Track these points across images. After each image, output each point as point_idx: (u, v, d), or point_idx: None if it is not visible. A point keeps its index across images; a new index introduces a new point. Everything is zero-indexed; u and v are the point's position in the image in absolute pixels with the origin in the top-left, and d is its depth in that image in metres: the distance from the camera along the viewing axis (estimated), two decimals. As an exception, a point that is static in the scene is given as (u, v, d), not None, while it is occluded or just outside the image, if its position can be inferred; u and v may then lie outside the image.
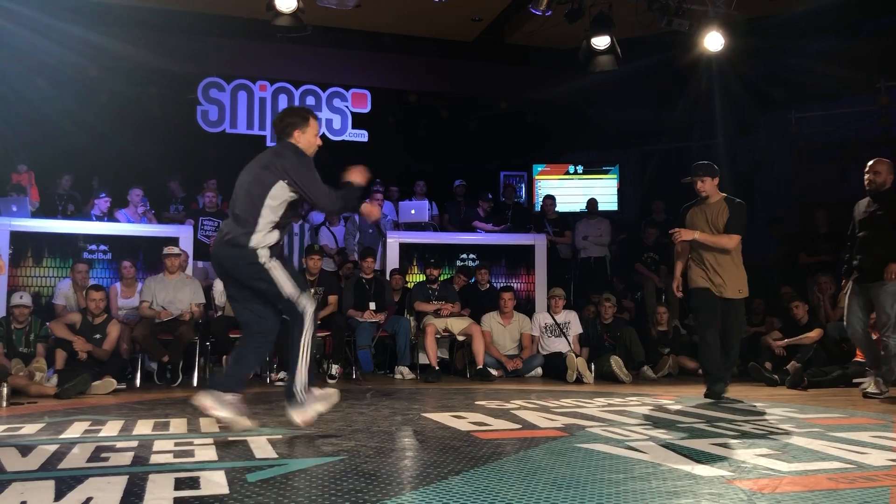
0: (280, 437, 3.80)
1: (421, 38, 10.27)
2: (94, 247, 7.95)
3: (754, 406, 5.07)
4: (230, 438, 3.74)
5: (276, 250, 3.84)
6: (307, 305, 3.81)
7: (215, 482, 2.76)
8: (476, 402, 5.30)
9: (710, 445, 3.50)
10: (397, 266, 8.59)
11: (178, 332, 6.85)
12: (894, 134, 9.81)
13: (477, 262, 8.85)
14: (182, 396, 5.85)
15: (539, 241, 9.16)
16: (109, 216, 8.68)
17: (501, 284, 8.52)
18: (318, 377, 3.95)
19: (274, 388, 6.43)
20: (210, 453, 3.37)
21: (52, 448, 3.50)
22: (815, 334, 7.14)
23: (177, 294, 7.13)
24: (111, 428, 4.14)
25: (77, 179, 9.60)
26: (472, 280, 8.51)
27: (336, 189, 3.91)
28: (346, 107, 10.55)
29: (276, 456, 3.30)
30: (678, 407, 5.05)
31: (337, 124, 10.54)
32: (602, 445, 3.49)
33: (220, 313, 7.38)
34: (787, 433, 3.87)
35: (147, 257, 7.96)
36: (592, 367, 7.31)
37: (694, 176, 5.60)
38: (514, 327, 7.91)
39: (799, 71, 9.96)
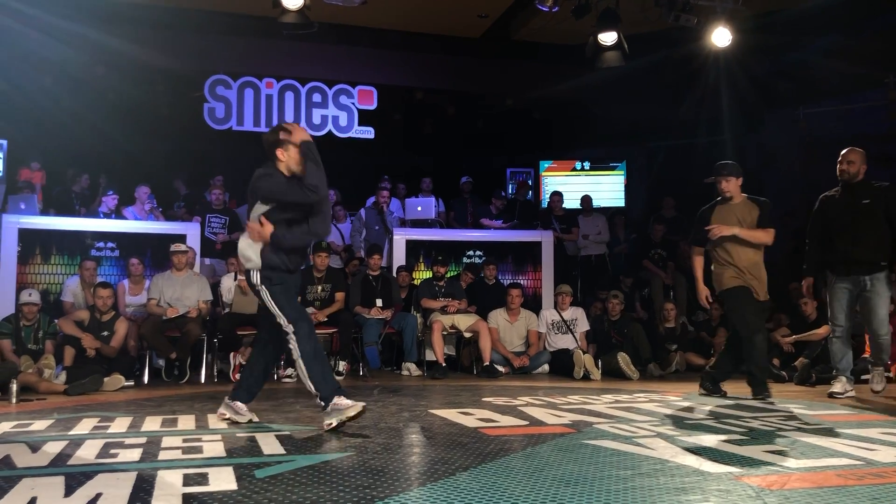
0: (288, 433, 3.82)
1: (427, 35, 10.27)
2: (101, 244, 7.98)
3: (762, 403, 5.06)
4: (238, 434, 3.76)
5: (277, 275, 3.96)
6: (291, 333, 3.91)
7: (223, 478, 2.77)
8: (483, 399, 5.30)
9: (718, 442, 3.49)
10: (404, 263, 8.59)
11: (186, 329, 6.87)
12: (903, 129, 9.75)
13: (483, 259, 8.85)
14: (190, 393, 5.88)
15: (546, 238, 9.15)
16: (117, 213, 8.72)
17: (508, 281, 8.51)
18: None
19: (281, 384, 6.45)
20: (218, 449, 3.38)
21: (62, 444, 3.52)
22: (823, 331, 7.08)
23: (184, 291, 7.15)
24: (120, 424, 4.16)
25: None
26: (482, 275, 8.50)
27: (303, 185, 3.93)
28: (353, 104, 10.56)
29: (284, 452, 3.31)
30: (686, 403, 5.04)
31: (343, 121, 10.55)
32: (609, 442, 3.49)
33: (227, 310, 7.40)
34: (796, 430, 3.86)
35: (154, 254, 7.99)
36: (599, 363, 7.30)
37: (718, 175, 5.41)
38: (521, 324, 7.90)
39: (807, 67, 9.91)
